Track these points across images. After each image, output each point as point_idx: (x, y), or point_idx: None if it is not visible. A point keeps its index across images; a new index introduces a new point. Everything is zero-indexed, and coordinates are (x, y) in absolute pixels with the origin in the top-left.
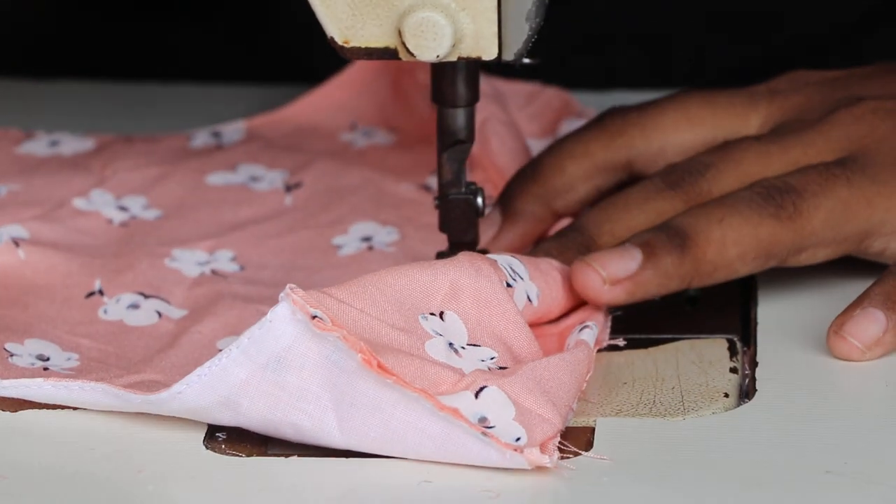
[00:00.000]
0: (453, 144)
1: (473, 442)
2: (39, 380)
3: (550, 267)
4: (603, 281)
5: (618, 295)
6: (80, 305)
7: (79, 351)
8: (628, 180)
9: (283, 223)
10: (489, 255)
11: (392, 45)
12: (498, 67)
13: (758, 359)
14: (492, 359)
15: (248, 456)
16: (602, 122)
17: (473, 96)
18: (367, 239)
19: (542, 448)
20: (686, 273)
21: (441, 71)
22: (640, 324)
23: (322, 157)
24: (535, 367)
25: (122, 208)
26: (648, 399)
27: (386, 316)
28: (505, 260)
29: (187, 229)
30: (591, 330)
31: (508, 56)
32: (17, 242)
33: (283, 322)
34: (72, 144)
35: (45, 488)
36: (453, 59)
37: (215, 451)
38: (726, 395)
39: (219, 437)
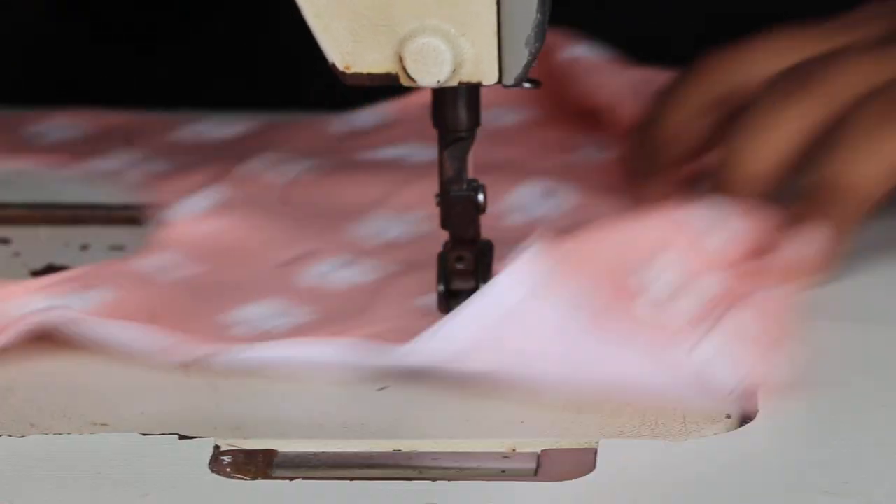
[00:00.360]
0: (454, 141)
1: (694, 388)
2: (276, 342)
3: (739, 210)
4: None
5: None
6: (291, 267)
7: (300, 311)
8: (729, 116)
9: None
10: (689, 206)
11: (393, 71)
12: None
13: None
14: (701, 305)
15: (252, 479)
16: (693, 65)
17: (475, 121)
18: (547, 194)
19: (755, 392)
20: (850, 220)
21: (442, 96)
22: None
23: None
24: (744, 311)
25: (286, 172)
26: (651, 421)
27: (604, 271)
28: (702, 209)
29: (356, 188)
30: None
31: (509, 80)
32: (211, 210)
33: (512, 278)
34: (220, 127)
35: None
36: (454, 83)
37: (220, 475)
38: (728, 417)
39: (224, 460)
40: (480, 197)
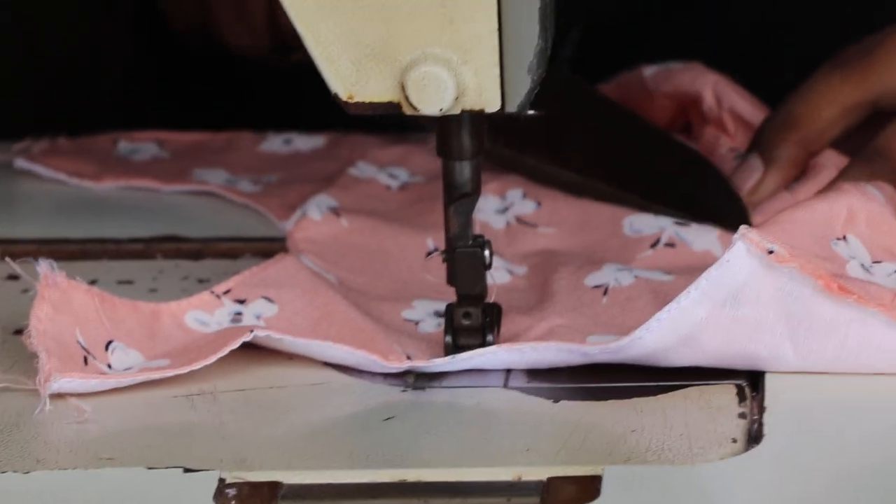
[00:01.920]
0: (459, 198)
1: None
2: (493, 347)
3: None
4: None
5: None
6: (427, 265)
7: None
8: (873, 115)
9: (545, 173)
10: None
11: (396, 100)
12: (501, 119)
13: (766, 404)
14: (895, 272)
15: None
16: (847, 63)
17: (478, 148)
18: None
19: None
20: None
21: (445, 124)
22: (648, 370)
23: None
24: None
25: (392, 176)
26: (657, 446)
27: (808, 247)
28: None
29: None
30: None
31: (512, 108)
32: (336, 212)
33: (740, 259)
34: (305, 142)
35: None
36: (456, 112)
37: None
38: (734, 441)
39: (228, 493)
40: (486, 253)
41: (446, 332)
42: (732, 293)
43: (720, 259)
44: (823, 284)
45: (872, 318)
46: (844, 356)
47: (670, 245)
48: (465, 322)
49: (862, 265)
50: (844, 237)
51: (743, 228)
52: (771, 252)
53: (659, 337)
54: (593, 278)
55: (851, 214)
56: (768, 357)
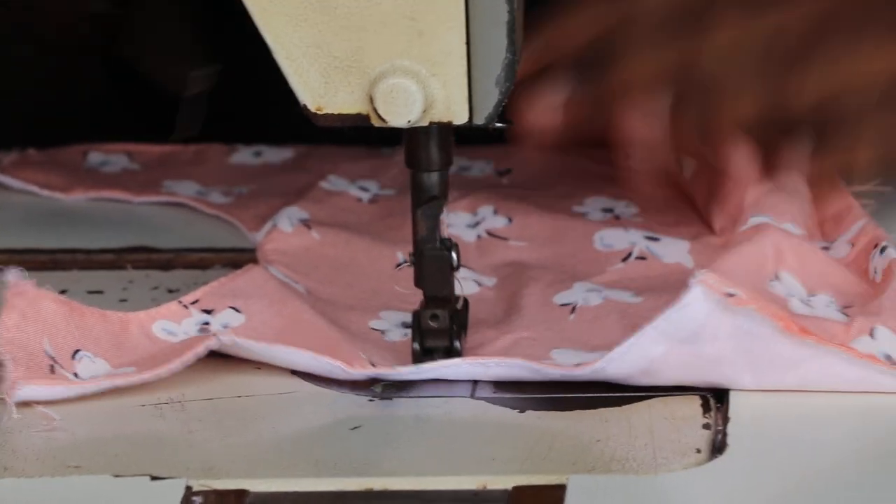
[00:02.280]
0: (428, 201)
1: (887, 379)
2: (458, 360)
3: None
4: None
5: None
6: (397, 277)
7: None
8: None
9: (516, 193)
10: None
11: (364, 111)
12: (470, 131)
13: (730, 415)
14: (832, 303)
15: None
16: None
17: (447, 159)
18: (608, 210)
19: None
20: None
21: (414, 136)
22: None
23: (518, 151)
24: (890, 297)
25: (363, 188)
26: (621, 456)
27: (749, 290)
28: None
29: None
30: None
31: (479, 120)
32: (307, 224)
33: (697, 303)
34: (275, 154)
35: None
36: (425, 123)
37: None
38: (698, 451)
39: (195, 501)
40: (454, 255)
41: (414, 336)
42: (692, 332)
43: (678, 302)
44: (783, 326)
45: (832, 356)
46: (805, 385)
47: (641, 258)
48: (433, 324)
49: (801, 301)
50: (777, 275)
51: (700, 273)
52: (731, 295)
53: (618, 368)
54: (562, 296)
55: (778, 251)
56: (729, 383)
